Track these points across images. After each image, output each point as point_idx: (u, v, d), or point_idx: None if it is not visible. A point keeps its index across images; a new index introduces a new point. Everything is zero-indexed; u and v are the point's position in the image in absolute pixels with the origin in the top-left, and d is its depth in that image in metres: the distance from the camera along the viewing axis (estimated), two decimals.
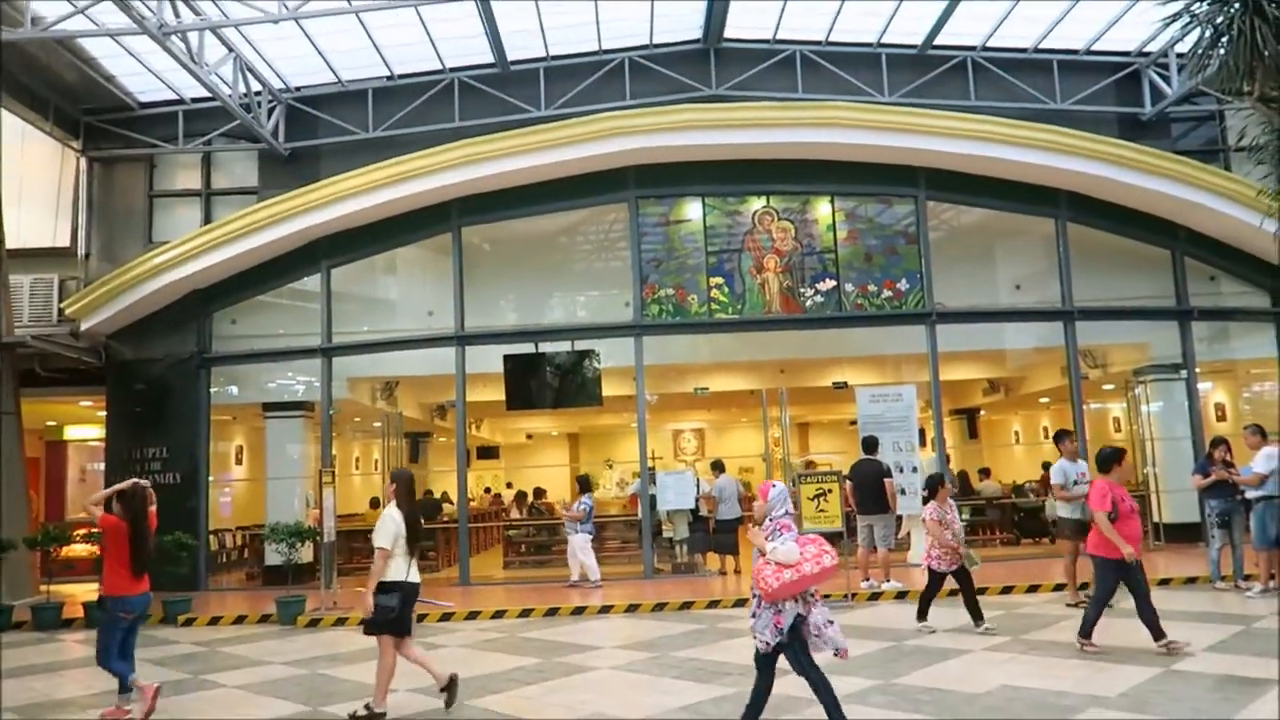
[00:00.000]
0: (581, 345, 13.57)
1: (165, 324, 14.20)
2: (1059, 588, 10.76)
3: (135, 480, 7.21)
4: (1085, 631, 7.58)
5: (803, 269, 13.88)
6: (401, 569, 6.53)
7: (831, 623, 5.44)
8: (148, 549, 6.99)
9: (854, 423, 13.81)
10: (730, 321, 13.82)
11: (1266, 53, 6.79)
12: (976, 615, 8.66)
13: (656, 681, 7.27)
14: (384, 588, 6.49)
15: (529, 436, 26.83)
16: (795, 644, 5.33)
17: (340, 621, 10.87)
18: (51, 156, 15.00)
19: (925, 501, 9.27)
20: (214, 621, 11.37)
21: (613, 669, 7.87)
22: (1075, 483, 9.83)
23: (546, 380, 13.58)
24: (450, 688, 6.59)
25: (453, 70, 15.00)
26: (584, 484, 13.36)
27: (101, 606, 6.91)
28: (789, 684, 6.92)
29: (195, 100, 14.88)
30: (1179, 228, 14.20)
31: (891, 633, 8.81)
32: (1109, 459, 7.85)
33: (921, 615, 8.89)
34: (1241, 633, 8.04)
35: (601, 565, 13.27)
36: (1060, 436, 10.50)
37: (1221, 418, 16.44)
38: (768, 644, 5.35)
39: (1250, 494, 10.13)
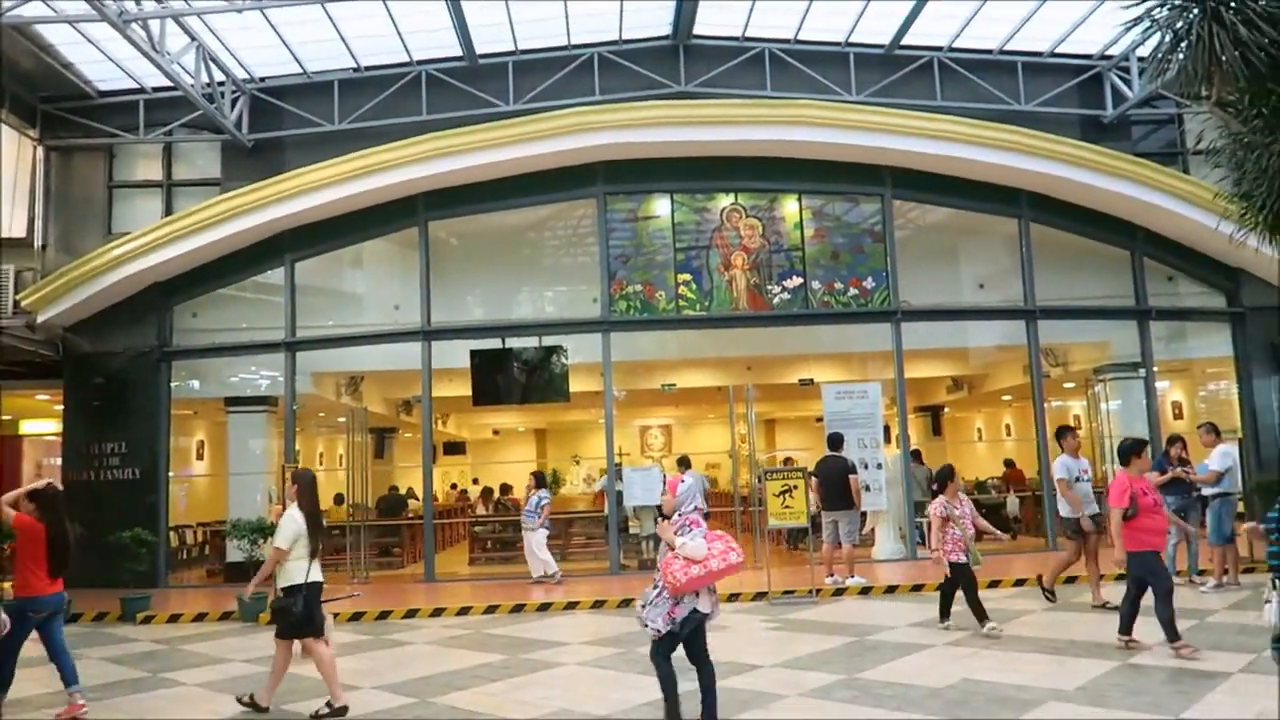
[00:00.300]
0: (549, 341, 13.53)
1: (125, 317, 13.95)
2: (1019, 583, 10.92)
3: (49, 481, 7.10)
4: (1172, 636, 7.13)
5: (770, 266, 13.94)
6: (302, 571, 6.56)
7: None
8: (68, 551, 6.86)
9: (820, 419, 13.92)
10: (697, 318, 13.85)
11: (1224, 58, 6.91)
12: (945, 612, 8.58)
13: (623, 677, 7.28)
14: (287, 591, 6.55)
15: (495, 432, 26.72)
16: (679, 637, 5.43)
17: None
18: (7, 145, 14.63)
19: (934, 495, 8.88)
20: (174, 619, 11.21)
21: (579, 665, 7.87)
22: (1078, 479, 9.59)
23: (513, 375, 13.53)
24: (257, 710, 6.61)
25: (420, 63, 14.88)
26: (540, 479, 13.30)
27: (8, 608, 6.76)
28: (760, 678, 6.98)
29: (156, 89, 14.64)
30: (1138, 229, 14.43)
31: (855, 628, 8.89)
32: (1129, 450, 7.58)
33: (981, 617, 8.33)
34: (1196, 626, 8.19)
35: (568, 561, 13.26)
36: (1062, 432, 10.09)
37: (1178, 416, 16.76)
38: (659, 631, 5.45)
39: (1206, 491, 10.34)
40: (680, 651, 5.55)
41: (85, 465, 13.61)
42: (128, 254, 13.37)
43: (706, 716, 5.45)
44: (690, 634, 5.45)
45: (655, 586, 5.54)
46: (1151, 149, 15.71)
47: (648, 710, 6.29)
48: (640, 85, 14.86)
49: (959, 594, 8.53)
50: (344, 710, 6.44)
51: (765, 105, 13.86)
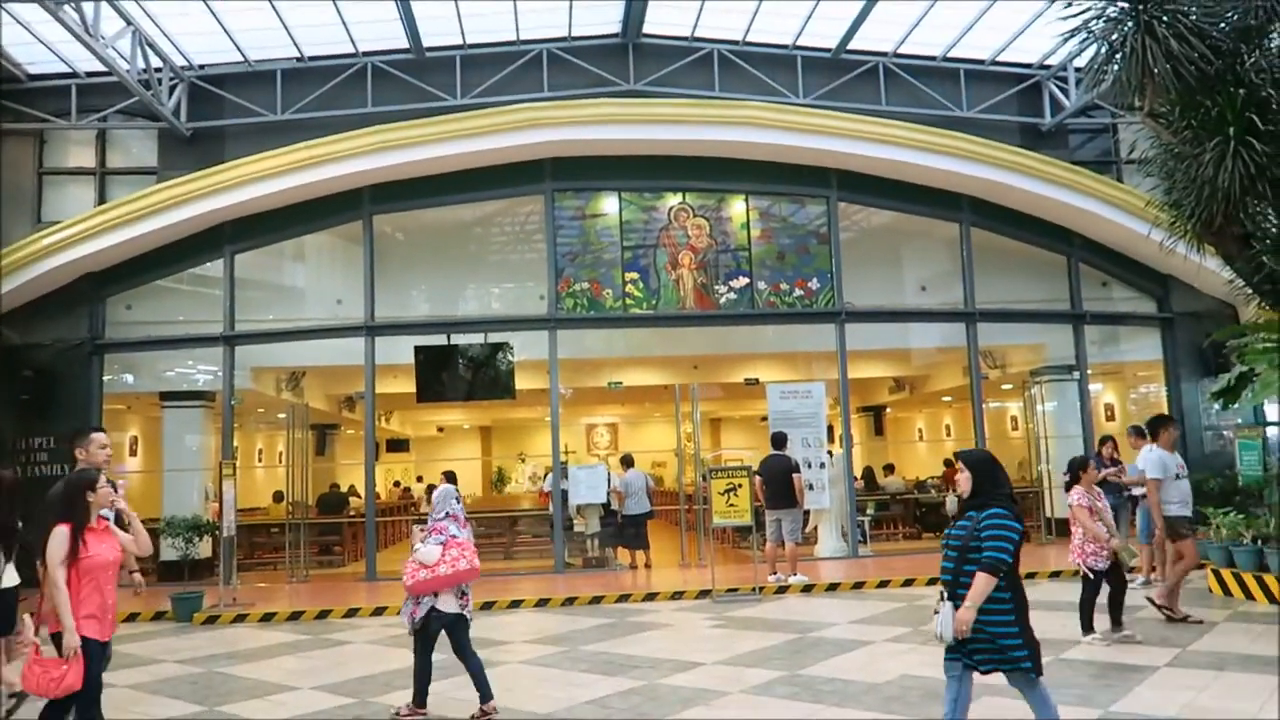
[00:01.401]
0: (495, 338, 13.43)
1: (56, 308, 13.51)
2: None
3: None
4: None
5: (717, 266, 14.02)
6: None
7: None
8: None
9: (765, 419, 14.03)
10: (644, 317, 13.87)
11: (1156, 70, 7.12)
12: (1088, 623, 7.64)
13: (566, 675, 7.27)
14: None
15: (440, 429, 26.50)
16: (426, 635, 6.06)
17: (240, 618, 10.55)
18: None
19: (1067, 488, 7.84)
20: None
21: (522, 663, 7.84)
22: (1176, 476, 8.77)
23: (459, 372, 13.41)
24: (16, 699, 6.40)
25: (366, 54, 14.67)
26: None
27: None
28: (703, 676, 7.03)
29: (90, 74, 14.21)
30: (1074, 235, 14.81)
31: (797, 625, 8.99)
32: None
33: (1087, 627, 7.60)
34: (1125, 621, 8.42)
35: (511, 560, 13.15)
36: (1160, 422, 9.06)
37: (1110, 417, 17.23)
38: (407, 630, 6.16)
39: (1136, 491, 10.64)
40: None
41: (12, 460, 13.14)
42: (58, 243, 12.95)
43: (481, 693, 6.04)
44: (450, 632, 6.06)
45: None
46: (1087, 157, 16.14)
47: (590, 709, 6.29)
48: (589, 82, 14.83)
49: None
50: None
51: (714, 105, 13.93)
